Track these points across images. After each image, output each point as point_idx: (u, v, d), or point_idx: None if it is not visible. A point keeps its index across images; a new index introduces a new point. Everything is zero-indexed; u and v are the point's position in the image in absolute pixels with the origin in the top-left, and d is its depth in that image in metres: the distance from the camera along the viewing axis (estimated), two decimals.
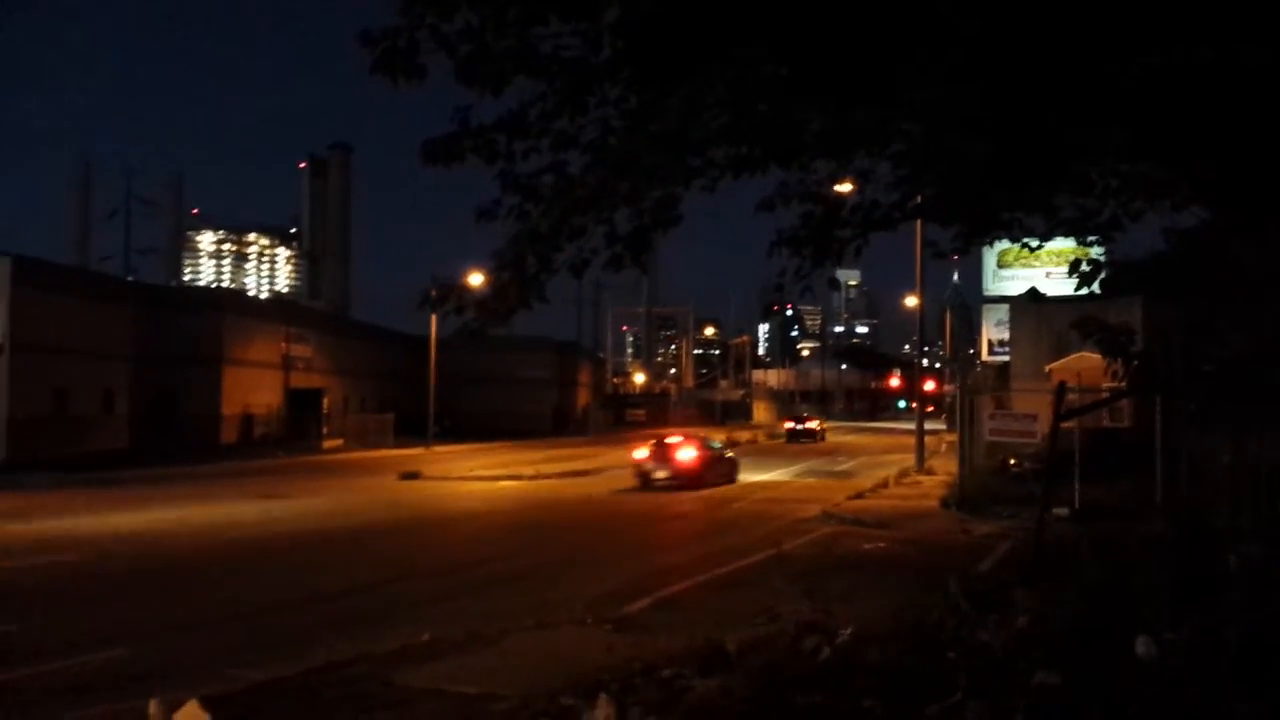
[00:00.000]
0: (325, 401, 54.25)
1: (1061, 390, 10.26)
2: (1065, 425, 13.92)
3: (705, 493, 26.98)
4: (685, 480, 28.31)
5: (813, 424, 64.78)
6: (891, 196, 8.44)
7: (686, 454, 29.36)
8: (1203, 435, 11.13)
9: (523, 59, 6.46)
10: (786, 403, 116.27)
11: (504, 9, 6.22)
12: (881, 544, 16.50)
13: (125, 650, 9.42)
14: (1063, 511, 16.50)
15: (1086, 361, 23.00)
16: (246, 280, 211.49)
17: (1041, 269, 39.28)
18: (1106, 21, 5.95)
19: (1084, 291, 10.22)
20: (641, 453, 30.02)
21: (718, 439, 37.30)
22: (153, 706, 6.46)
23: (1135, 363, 10.19)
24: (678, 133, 6.61)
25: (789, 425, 65.14)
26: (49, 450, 34.71)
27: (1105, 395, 14.95)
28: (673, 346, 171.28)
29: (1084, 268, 9.21)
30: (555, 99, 6.71)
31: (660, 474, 28.60)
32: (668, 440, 31.05)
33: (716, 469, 30.13)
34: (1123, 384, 10.86)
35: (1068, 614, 7.07)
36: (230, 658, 9.03)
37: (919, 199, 9.06)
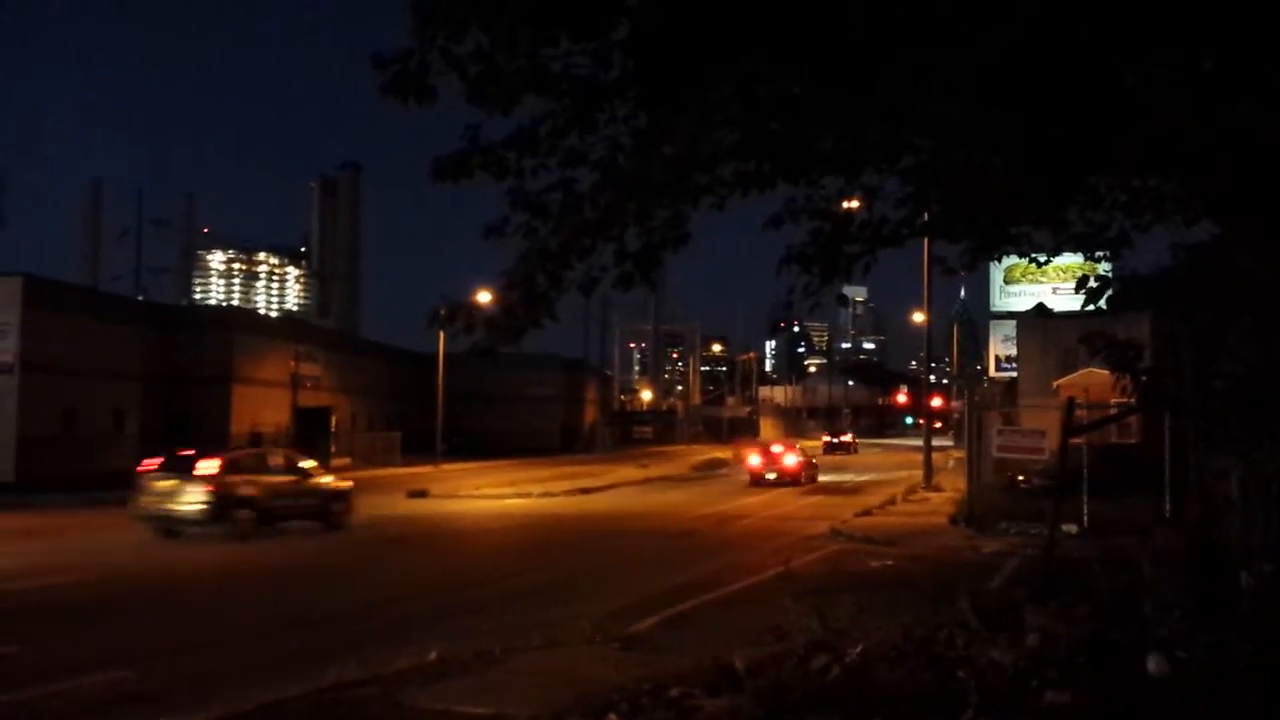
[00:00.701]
0: (333, 420, 54.26)
1: (1071, 406, 10.24)
2: (1074, 441, 13.87)
3: (714, 510, 27.06)
4: (789, 479, 36.17)
5: (846, 438, 78.46)
6: (900, 213, 8.46)
7: (790, 460, 37.58)
8: (1213, 452, 11.06)
9: (533, 79, 6.50)
10: (793, 419, 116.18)
11: (515, 30, 6.26)
12: (890, 561, 16.44)
13: (130, 671, 9.41)
14: (1072, 528, 16.44)
15: (1094, 377, 22.96)
16: (256, 299, 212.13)
17: (1049, 285, 39.22)
18: (1119, 33, 5.97)
19: (1091, 307, 10.20)
20: (755, 460, 38.09)
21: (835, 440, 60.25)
22: None
23: (1144, 379, 10.15)
24: (687, 150, 6.63)
25: (826, 439, 76.95)
26: (58, 469, 34.76)
27: (1114, 411, 14.90)
28: (680, 364, 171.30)
29: (1091, 284, 9.19)
30: (565, 116, 6.74)
31: (770, 475, 36.57)
32: (773, 449, 39.82)
33: (807, 471, 37.87)
34: (1131, 400, 10.83)
35: (1079, 632, 7.03)
36: (237, 678, 9.01)
37: (927, 215, 9.07)
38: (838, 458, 64.51)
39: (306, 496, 22.11)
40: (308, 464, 23.05)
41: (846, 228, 8.53)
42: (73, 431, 39.29)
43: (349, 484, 24.67)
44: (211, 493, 19.54)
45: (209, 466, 20.06)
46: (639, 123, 6.95)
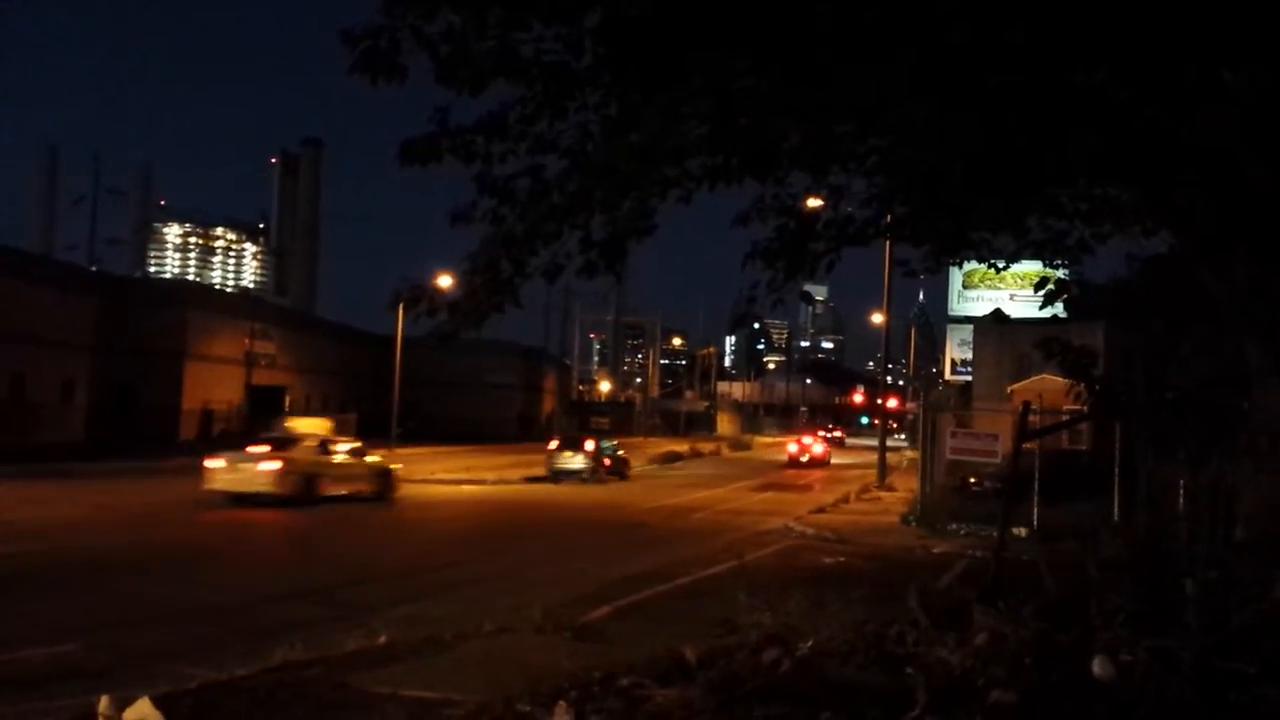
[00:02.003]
0: (287, 399, 53.74)
1: (1026, 411, 10.36)
2: (1026, 446, 14.06)
3: (667, 502, 27.15)
4: (818, 462, 52.24)
5: (837, 433, 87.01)
6: (866, 212, 8.52)
7: (819, 447, 55.26)
8: (1162, 460, 11.27)
9: (503, 61, 6.46)
10: (750, 415, 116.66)
11: (485, 11, 6.22)
12: (842, 558, 16.57)
13: (75, 645, 9.27)
14: (1021, 531, 16.64)
15: (1048, 383, 23.26)
16: (212, 275, 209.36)
17: (1006, 291, 39.72)
18: (1078, 43, 6.04)
19: (1048, 314, 10.35)
20: (793, 447, 55.40)
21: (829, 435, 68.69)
22: (103, 703, 6.34)
23: (1097, 386, 10.31)
24: (656, 141, 6.62)
25: (821, 434, 79.38)
26: (2, 439, 34.14)
27: (1066, 418, 15.12)
28: (640, 356, 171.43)
29: (1050, 286, 9.32)
30: (535, 102, 6.72)
31: (804, 458, 52.39)
32: (804, 440, 57.00)
33: (829, 454, 55.53)
34: (1084, 407, 10.99)
35: (1026, 633, 7.11)
36: (183, 655, 8.89)
37: (890, 217, 9.15)
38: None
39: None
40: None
41: (812, 225, 8.58)
42: (20, 399, 38.58)
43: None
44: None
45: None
46: (609, 111, 6.94)
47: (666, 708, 6.24)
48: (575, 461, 35.53)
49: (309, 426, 26.33)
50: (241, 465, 22.73)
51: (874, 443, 47.11)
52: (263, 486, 22.23)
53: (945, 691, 5.96)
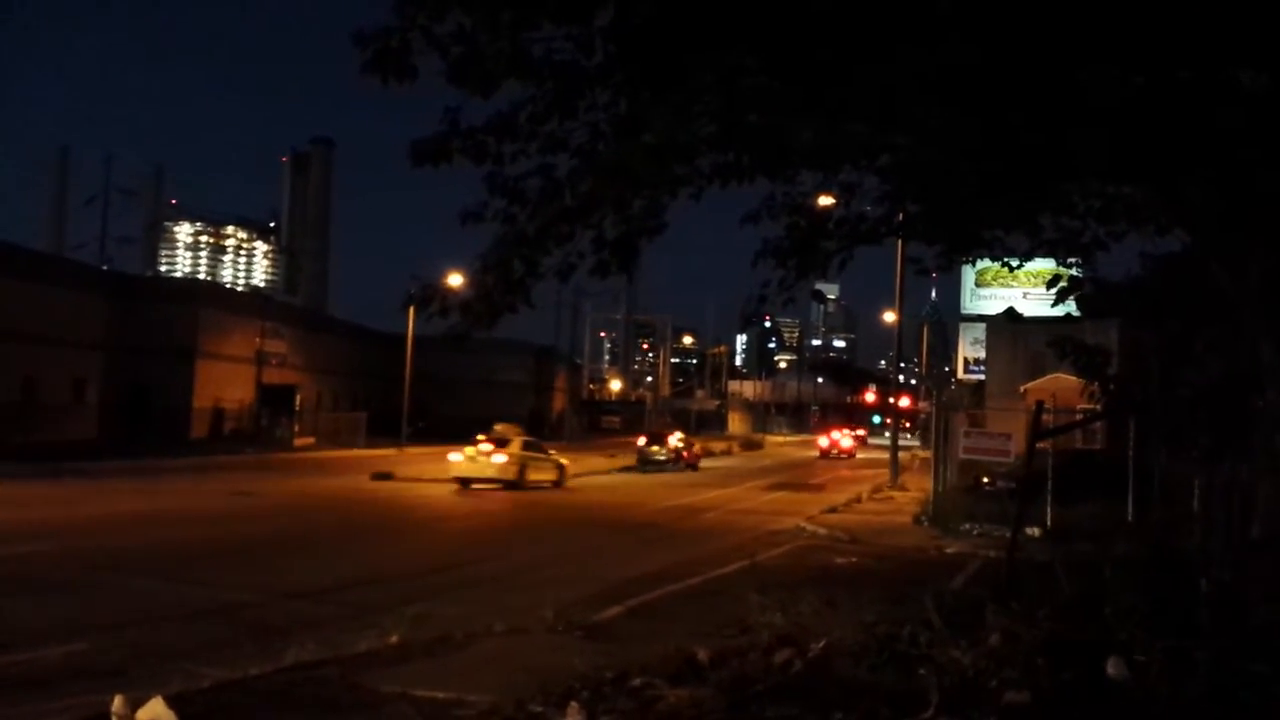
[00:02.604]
0: (298, 398, 53.86)
1: (1039, 410, 10.32)
2: (1039, 445, 14.00)
3: (678, 502, 27.19)
4: (846, 455, 62.30)
5: (861, 432, 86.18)
6: (877, 211, 8.48)
7: (847, 442, 65.23)
8: (1176, 459, 11.21)
9: (514, 62, 6.45)
10: (761, 415, 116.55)
11: (497, 12, 6.21)
12: (854, 558, 16.53)
13: (87, 644, 9.30)
14: (1035, 531, 16.59)
15: (1062, 382, 23.18)
16: (223, 273, 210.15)
17: (1019, 289, 39.55)
18: (1089, 40, 6.00)
19: (1061, 312, 10.30)
20: (824, 441, 65.92)
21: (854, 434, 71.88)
22: (117, 702, 6.36)
23: (1111, 385, 10.27)
24: (666, 139, 6.61)
25: (847, 430, 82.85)
26: (16, 439, 34.27)
27: (1080, 416, 15.07)
28: (650, 355, 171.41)
29: (1062, 284, 9.28)
30: (545, 102, 6.71)
31: (834, 451, 62.92)
32: (834, 435, 66.55)
33: (855, 449, 65.45)
34: (1098, 405, 10.95)
35: (1039, 633, 7.09)
36: (196, 655, 8.92)
37: (903, 215, 9.11)
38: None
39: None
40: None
41: (824, 224, 8.56)
42: (33, 400, 38.75)
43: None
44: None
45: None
46: (619, 110, 6.92)
47: (678, 708, 6.24)
48: (661, 454, 44.60)
49: (507, 431, 31.46)
50: (478, 458, 29.22)
51: (886, 442, 47.14)
52: (493, 474, 28.82)
53: (958, 692, 5.94)
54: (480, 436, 30.30)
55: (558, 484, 31.32)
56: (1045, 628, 7.19)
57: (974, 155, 7.33)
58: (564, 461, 33.01)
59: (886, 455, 39.12)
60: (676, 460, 44.20)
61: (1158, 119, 6.51)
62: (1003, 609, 8.01)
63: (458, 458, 29.80)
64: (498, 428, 31.49)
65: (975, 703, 5.78)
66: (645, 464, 43.51)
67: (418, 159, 6.84)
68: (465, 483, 29.04)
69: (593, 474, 37.92)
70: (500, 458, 29.17)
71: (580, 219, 6.88)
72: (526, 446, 30.94)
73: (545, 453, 32.32)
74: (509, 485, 28.65)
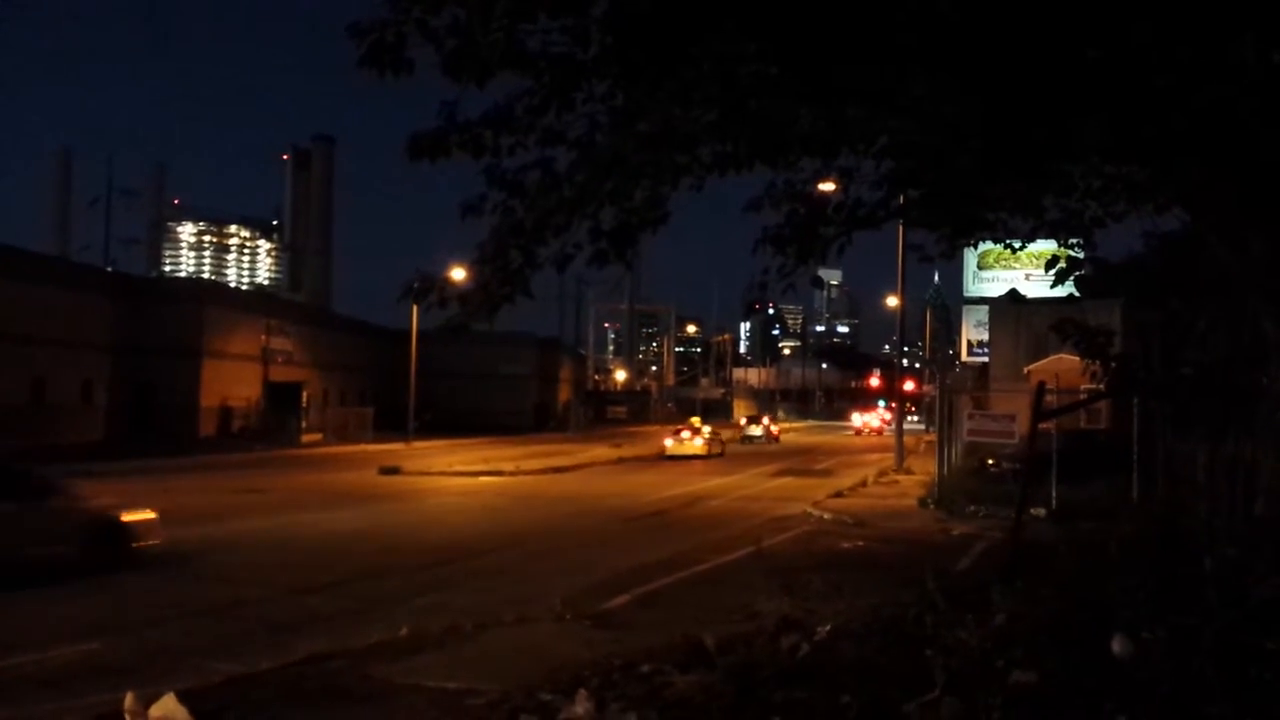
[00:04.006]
0: (304, 395, 53.98)
1: (1041, 390, 10.33)
2: (1043, 426, 14.01)
3: (685, 489, 27.23)
4: (876, 433, 72.03)
5: (888, 414, 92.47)
6: (876, 195, 8.48)
7: (876, 422, 77.97)
8: (1180, 437, 11.20)
9: (510, 54, 6.44)
10: (766, 401, 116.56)
11: (491, 4, 6.21)
12: (860, 542, 16.57)
13: (99, 643, 9.36)
14: (1040, 512, 16.61)
15: (1065, 363, 23.14)
16: (227, 272, 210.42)
17: (1021, 271, 39.53)
18: (1089, 13, 6.00)
19: (1063, 293, 10.29)
20: (857, 421, 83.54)
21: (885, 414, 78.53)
22: (129, 700, 6.42)
23: (1114, 364, 10.27)
24: (664, 129, 6.61)
25: (877, 413, 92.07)
26: (25, 440, 34.38)
27: (1084, 396, 15.06)
28: (654, 344, 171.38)
29: (1061, 264, 9.27)
30: (542, 95, 6.70)
31: (864, 430, 77.81)
32: (864, 417, 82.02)
33: (884, 428, 69.13)
34: (1101, 385, 10.95)
35: (1045, 613, 7.12)
36: (207, 651, 8.99)
37: (903, 199, 9.11)
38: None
39: None
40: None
41: (822, 209, 8.56)
42: (40, 401, 38.88)
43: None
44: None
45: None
46: (617, 101, 6.92)
47: (687, 694, 6.28)
48: (757, 431, 60.91)
49: (696, 422, 47.37)
50: (685, 441, 42.61)
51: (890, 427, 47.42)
52: (697, 451, 41.80)
53: (964, 672, 5.97)
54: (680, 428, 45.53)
55: (721, 454, 43.33)
56: (1051, 607, 7.22)
57: (973, 136, 7.32)
58: (724, 436, 47.90)
59: (889, 439, 39.20)
60: (767, 439, 59.59)
61: (1157, 94, 6.50)
62: (1008, 589, 8.04)
63: (670, 441, 42.98)
64: (693, 420, 48.98)
65: (982, 683, 5.80)
66: (745, 440, 58.45)
67: (415, 153, 6.85)
68: (677, 458, 40.66)
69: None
70: (699, 439, 42.75)
71: (578, 209, 6.89)
72: (710, 430, 44.90)
73: (718, 434, 45.85)
74: (706, 457, 41.29)
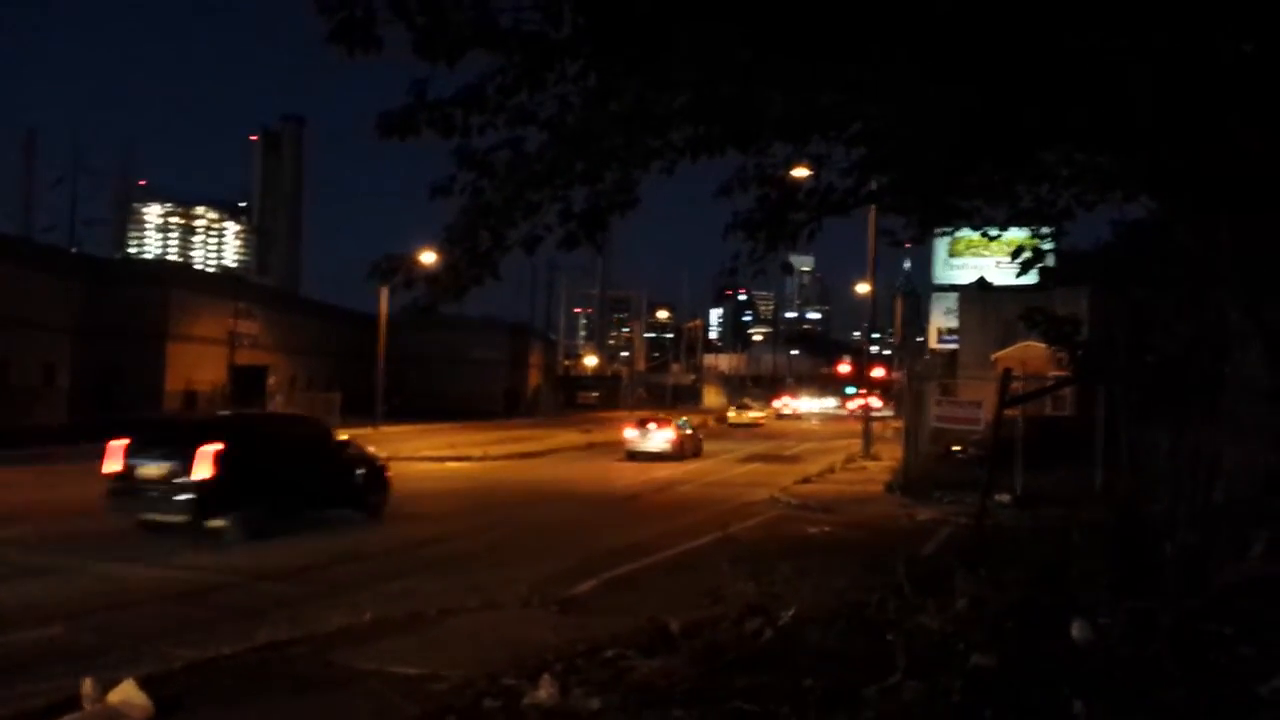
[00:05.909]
0: (271, 379, 53.53)
1: (1006, 377, 10.40)
2: (1009, 413, 14.12)
3: (654, 475, 27.25)
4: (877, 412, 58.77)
5: (879, 401, 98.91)
6: (846, 181, 8.48)
7: (876, 404, 56.65)
8: (1144, 425, 11.31)
9: (481, 32, 6.38)
10: (736, 387, 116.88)
11: None
12: (827, 528, 16.65)
13: (59, 628, 9.24)
14: (1005, 498, 16.75)
15: (1031, 351, 23.35)
16: (194, 254, 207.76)
17: (992, 258, 39.57)
18: (1059, 8, 6.01)
19: (1032, 281, 10.35)
20: (856, 401, 67.79)
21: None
22: (87, 685, 6.33)
23: (1080, 352, 10.36)
24: (636, 111, 6.57)
25: (869, 398, 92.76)
26: None
27: (1050, 383, 15.20)
28: (625, 329, 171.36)
29: (1025, 255, 9.32)
30: (514, 74, 6.64)
31: (859, 412, 57.24)
32: (861, 398, 65.28)
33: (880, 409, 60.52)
34: (1068, 373, 11.04)
35: (1007, 598, 7.18)
36: (169, 637, 8.89)
37: (874, 185, 9.11)
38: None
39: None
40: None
41: (793, 195, 8.55)
42: (3, 384, 38.33)
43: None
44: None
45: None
46: (589, 82, 6.87)
47: (650, 678, 6.28)
48: (755, 414, 70.69)
49: (671, 416, 41.44)
50: (651, 433, 35.22)
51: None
52: (663, 450, 34.21)
53: (925, 656, 6.01)
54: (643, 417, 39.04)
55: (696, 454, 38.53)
56: (1013, 592, 7.29)
57: (953, 123, 7.31)
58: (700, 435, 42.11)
59: (857, 426, 39.43)
60: (767, 417, 72.22)
61: (1130, 83, 6.52)
62: (971, 574, 8.11)
63: (633, 434, 36.26)
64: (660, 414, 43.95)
65: (942, 666, 5.85)
66: (736, 427, 63.99)
67: (385, 131, 6.79)
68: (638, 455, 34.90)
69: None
70: (667, 435, 36.52)
71: (547, 184, 6.84)
72: (683, 426, 38.84)
73: (695, 433, 39.59)
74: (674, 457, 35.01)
